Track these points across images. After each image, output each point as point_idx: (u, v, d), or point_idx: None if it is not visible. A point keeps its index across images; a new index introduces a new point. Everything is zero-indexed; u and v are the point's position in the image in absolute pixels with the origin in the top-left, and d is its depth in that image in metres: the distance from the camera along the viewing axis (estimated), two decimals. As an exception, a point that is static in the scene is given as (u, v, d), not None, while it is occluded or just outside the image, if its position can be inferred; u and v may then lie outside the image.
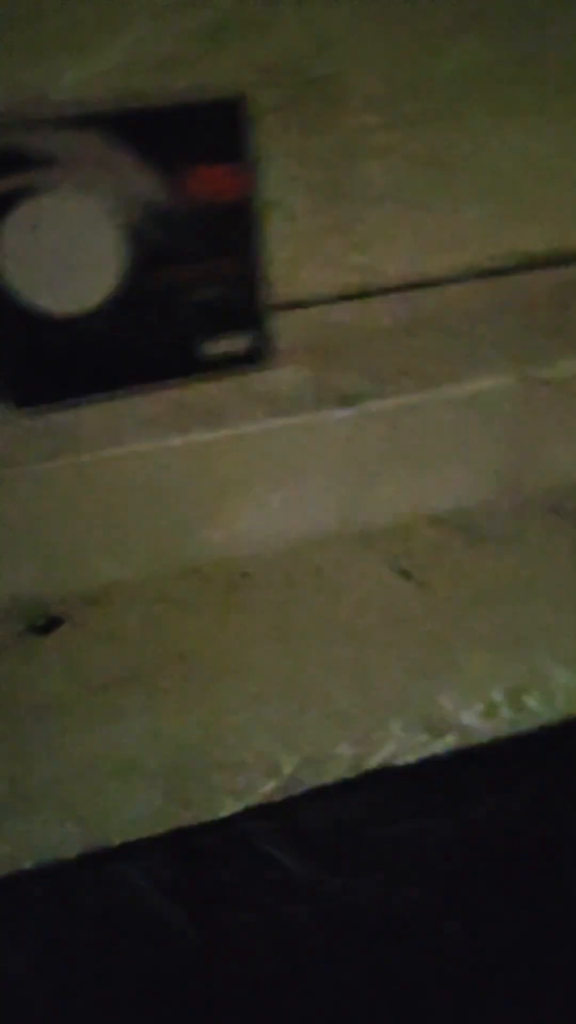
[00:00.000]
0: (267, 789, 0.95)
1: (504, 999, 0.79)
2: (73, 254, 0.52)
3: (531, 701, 1.08)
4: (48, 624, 0.70)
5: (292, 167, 0.55)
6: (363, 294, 0.62)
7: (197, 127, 0.50)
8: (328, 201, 0.58)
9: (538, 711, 1.08)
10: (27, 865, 0.86)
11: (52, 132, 0.48)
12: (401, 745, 0.97)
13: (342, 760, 0.95)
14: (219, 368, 0.59)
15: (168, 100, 0.51)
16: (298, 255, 0.60)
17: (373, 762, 0.96)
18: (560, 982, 0.84)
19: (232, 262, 0.55)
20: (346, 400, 0.57)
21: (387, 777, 0.97)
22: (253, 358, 0.59)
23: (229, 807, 0.97)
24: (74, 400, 0.58)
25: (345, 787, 0.95)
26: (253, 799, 0.97)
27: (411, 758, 1.00)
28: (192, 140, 0.50)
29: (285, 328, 0.60)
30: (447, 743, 1.02)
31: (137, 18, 0.47)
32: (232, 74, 0.50)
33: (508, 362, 0.60)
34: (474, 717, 1.07)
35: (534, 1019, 0.78)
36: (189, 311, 0.56)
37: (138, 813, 0.93)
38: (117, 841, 0.90)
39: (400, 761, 0.97)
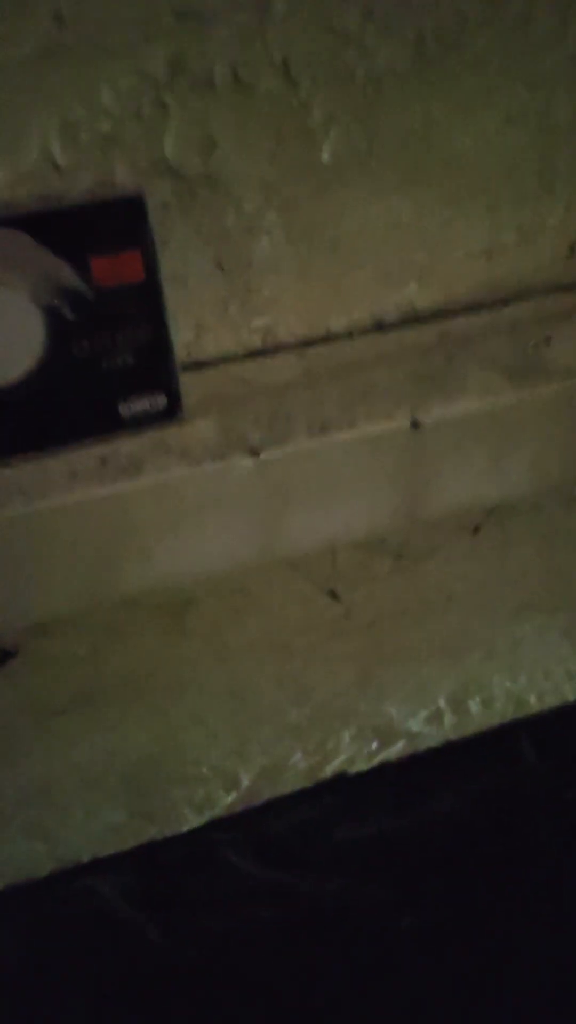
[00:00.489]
0: (228, 801, 1.03)
1: (459, 986, 0.88)
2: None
3: (474, 706, 1.16)
4: (1, 656, 0.78)
5: (189, 248, 0.64)
6: (263, 352, 0.70)
7: (101, 222, 0.58)
8: (224, 275, 0.66)
9: (480, 715, 1.16)
10: None
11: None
12: (353, 753, 1.05)
13: (298, 770, 1.02)
14: (136, 425, 0.67)
15: (74, 200, 0.59)
16: (201, 322, 0.68)
17: (328, 771, 1.02)
18: (510, 968, 0.93)
19: (142, 332, 0.63)
20: (251, 448, 0.65)
21: (342, 785, 1.04)
22: (166, 415, 0.67)
23: (191, 820, 1.05)
24: (4, 459, 0.65)
25: (303, 796, 1.03)
26: (214, 811, 1.04)
27: (363, 766, 1.06)
28: (97, 233, 0.58)
29: (193, 386, 0.67)
30: (398, 749, 1.09)
31: (43, 134, 0.55)
32: (130, 174, 0.58)
33: (398, 408, 0.68)
34: (420, 724, 1.15)
35: (487, 1004, 0.87)
36: (107, 376, 0.64)
37: (103, 829, 1.00)
38: (86, 858, 0.96)
39: (353, 769, 1.02)
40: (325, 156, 0.62)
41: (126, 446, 0.66)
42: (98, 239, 0.59)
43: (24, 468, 0.64)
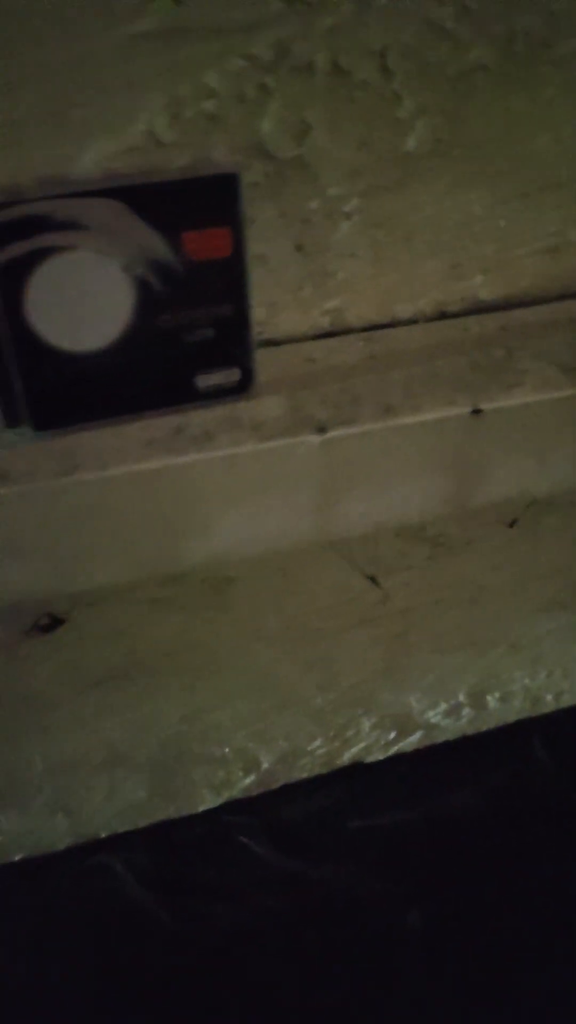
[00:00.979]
0: (246, 783, 1.05)
1: (463, 983, 0.89)
2: (89, 302, 0.62)
3: (492, 701, 1.18)
4: (51, 624, 0.80)
5: (273, 228, 0.66)
6: (333, 334, 0.73)
7: (196, 197, 0.61)
8: (303, 256, 0.68)
9: (499, 710, 1.18)
10: (17, 857, 0.93)
11: (75, 201, 0.59)
12: (371, 742, 1.08)
13: (316, 756, 1.03)
14: (210, 398, 0.69)
15: (172, 175, 0.61)
16: (278, 301, 0.70)
17: (345, 759, 1.04)
18: (515, 965, 0.95)
19: (223, 308, 0.65)
20: (317, 426, 0.68)
21: (359, 773, 1.06)
22: (239, 390, 0.70)
23: (209, 801, 1.06)
24: (85, 424, 0.68)
25: (319, 782, 1.05)
26: (232, 793, 1.05)
27: (380, 755, 1.06)
28: (192, 208, 0.61)
29: (265, 364, 0.70)
30: (414, 741, 1.11)
31: (150, 110, 0.58)
32: (227, 153, 0.61)
33: (459, 394, 0.71)
34: (439, 716, 1.16)
35: (491, 1001, 0.88)
36: (186, 349, 0.66)
37: (123, 806, 1.02)
38: (103, 834, 0.97)
39: (371, 758, 1.05)
40: (411, 146, 0.65)
41: (199, 417, 0.68)
42: (191, 214, 0.62)
43: (102, 434, 0.67)
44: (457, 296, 0.74)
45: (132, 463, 0.65)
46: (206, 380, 0.68)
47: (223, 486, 0.68)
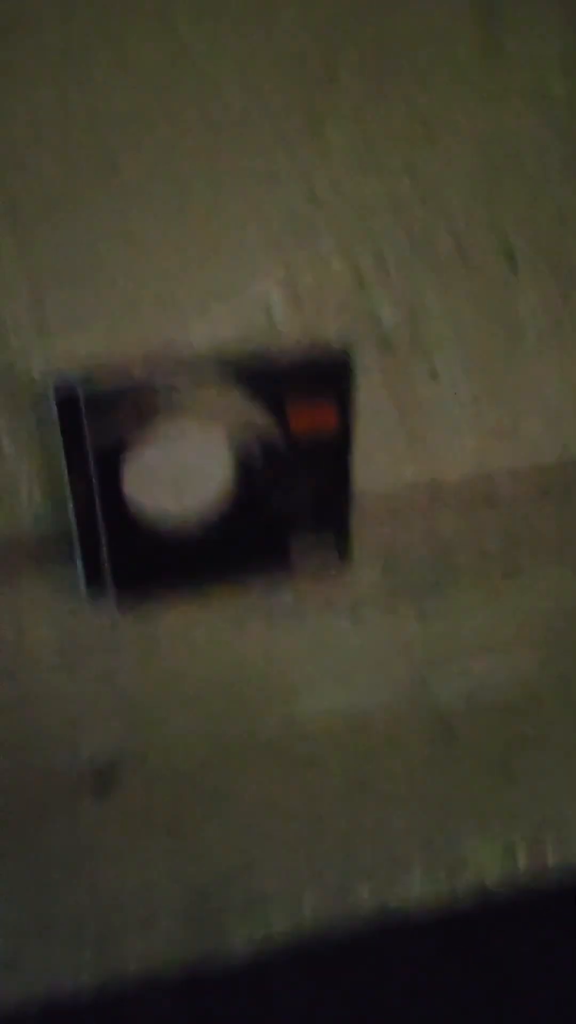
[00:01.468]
0: (284, 927, 1.00)
1: None
2: (188, 472, 0.60)
3: (549, 851, 1.12)
4: (108, 775, 0.76)
5: (377, 401, 0.64)
6: (434, 497, 0.71)
7: (308, 376, 0.59)
8: (402, 421, 0.67)
9: (556, 860, 1.12)
10: (40, 990, 0.88)
11: (183, 372, 0.57)
12: (421, 890, 1.02)
13: (361, 903, 0.99)
14: (303, 569, 0.67)
15: (281, 355, 0.60)
16: (372, 458, 0.68)
17: (392, 905, 0.99)
18: None
19: (324, 480, 0.63)
20: (413, 596, 0.65)
21: (405, 920, 1.00)
22: (334, 561, 0.67)
23: (245, 944, 1.00)
24: (177, 592, 0.65)
25: (363, 929, 0.99)
26: (270, 936, 0.99)
27: (430, 902, 1.03)
28: (303, 386, 0.59)
29: (363, 530, 0.68)
30: (466, 889, 1.05)
31: (260, 288, 0.56)
32: (342, 335, 0.59)
33: (555, 554, 0.69)
34: (494, 865, 1.11)
35: None
36: (282, 518, 0.64)
37: (156, 945, 0.96)
38: (132, 969, 0.91)
39: (419, 906, 1.00)
40: (529, 334, 0.63)
41: (292, 587, 0.66)
42: (301, 392, 0.60)
43: (187, 604, 0.64)
44: (554, 454, 0.72)
45: (218, 639, 0.62)
46: (300, 551, 0.65)
47: (313, 663, 0.65)
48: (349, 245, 0.56)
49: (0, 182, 0.49)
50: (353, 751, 0.81)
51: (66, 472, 0.58)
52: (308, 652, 0.63)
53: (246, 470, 0.61)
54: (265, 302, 0.57)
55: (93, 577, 0.62)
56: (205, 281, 0.55)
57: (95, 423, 0.56)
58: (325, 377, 0.59)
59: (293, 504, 0.63)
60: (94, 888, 0.88)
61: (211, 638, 0.62)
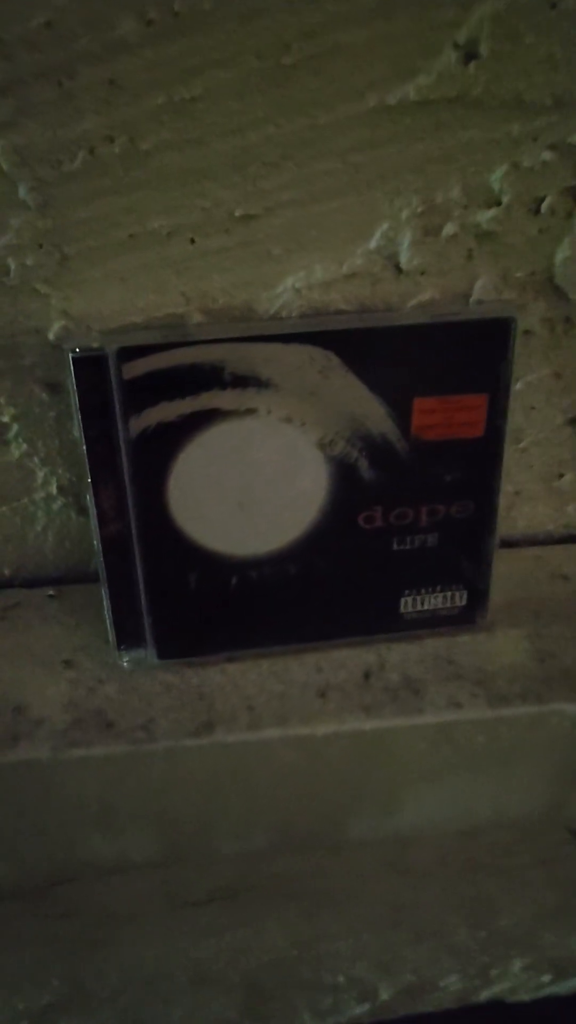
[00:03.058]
0: (358, 1012, 0.91)
1: None
2: (262, 489, 0.41)
3: None
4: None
5: (541, 394, 0.44)
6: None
7: (443, 351, 0.39)
8: (572, 434, 0.46)
9: None
10: None
11: (262, 347, 0.38)
12: (518, 983, 0.88)
13: (448, 992, 0.86)
14: (420, 628, 0.47)
15: (411, 318, 0.40)
16: (525, 490, 0.48)
17: (482, 997, 0.86)
18: None
19: (458, 507, 0.43)
20: (567, 677, 0.44)
21: (495, 1013, 0.88)
22: (463, 620, 0.47)
23: None
24: (231, 655, 0.46)
25: (446, 1018, 0.87)
26: (339, 1019, 0.83)
27: (526, 997, 0.84)
28: (435, 364, 0.39)
29: (501, 579, 0.48)
30: (571, 985, 0.88)
31: (393, 219, 0.36)
32: (495, 289, 0.39)
33: None
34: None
35: None
36: (393, 559, 0.45)
37: (205, 1022, 0.80)
38: None
39: (515, 998, 0.84)
40: None
41: (400, 656, 0.46)
42: (431, 373, 0.40)
43: (256, 670, 0.45)
44: None
45: (296, 723, 0.43)
46: (416, 604, 0.46)
47: (426, 759, 0.45)
48: (527, 157, 0.36)
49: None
50: (464, 861, 0.64)
51: (89, 477, 0.39)
52: (424, 741, 0.44)
53: (346, 488, 0.41)
54: (388, 246, 0.38)
55: (125, 625, 0.44)
56: (299, 216, 0.36)
57: (130, 406, 0.38)
58: (471, 351, 0.39)
59: (410, 539, 0.43)
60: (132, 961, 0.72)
61: (285, 725, 0.43)
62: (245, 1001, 0.83)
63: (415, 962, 0.85)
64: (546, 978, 0.94)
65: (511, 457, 0.47)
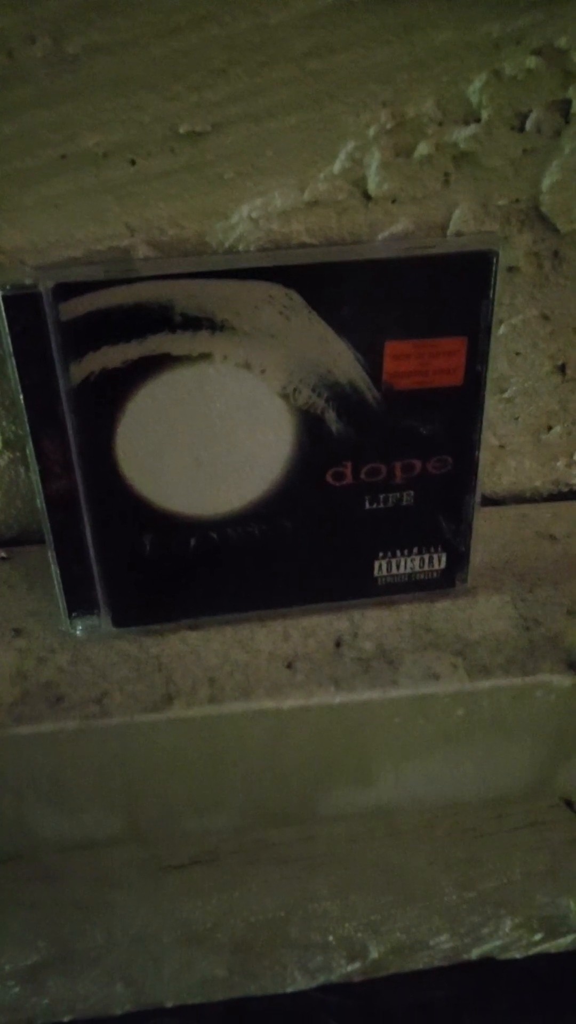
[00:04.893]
0: (348, 970, 0.92)
1: None
2: (220, 443, 0.38)
3: None
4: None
5: (527, 337, 0.40)
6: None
7: (416, 288, 0.35)
8: (564, 381, 0.42)
9: None
10: (65, 1019, 0.80)
11: (217, 284, 0.34)
12: (510, 941, 0.92)
13: (438, 950, 0.89)
14: (394, 593, 0.44)
15: (379, 251, 0.36)
16: (510, 444, 0.45)
17: (473, 954, 0.88)
18: None
19: (436, 462, 0.40)
20: (567, 658, 0.41)
21: (486, 970, 0.91)
22: (441, 583, 0.44)
23: (299, 983, 0.92)
24: (192, 623, 0.43)
25: (436, 974, 0.91)
26: (329, 977, 0.91)
27: (517, 954, 0.88)
28: (408, 303, 0.35)
29: (483, 539, 0.44)
30: (562, 944, 0.88)
31: (360, 138, 0.32)
32: (474, 218, 0.35)
33: None
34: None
35: None
36: (365, 520, 0.41)
37: (196, 981, 0.89)
38: (169, 1004, 0.86)
39: (506, 955, 0.86)
40: None
41: (374, 624, 0.43)
42: (404, 314, 0.36)
43: (219, 639, 0.42)
44: None
45: (261, 696, 0.40)
46: (391, 567, 0.42)
47: (403, 734, 0.42)
48: (509, 64, 0.31)
49: None
50: (450, 829, 0.61)
51: (28, 430, 0.35)
52: (399, 715, 0.41)
53: (312, 441, 0.38)
54: (354, 169, 0.33)
55: (75, 589, 0.40)
56: (252, 134, 0.32)
57: (70, 351, 0.34)
58: (449, 288, 0.35)
59: (383, 497, 0.40)
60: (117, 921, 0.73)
61: (250, 698, 0.40)
62: (234, 959, 0.81)
63: (405, 922, 0.83)
64: (537, 936, 0.95)
65: (494, 408, 0.43)
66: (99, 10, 0.29)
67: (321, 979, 0.87)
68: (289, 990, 0.86)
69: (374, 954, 0.87)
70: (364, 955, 0.85)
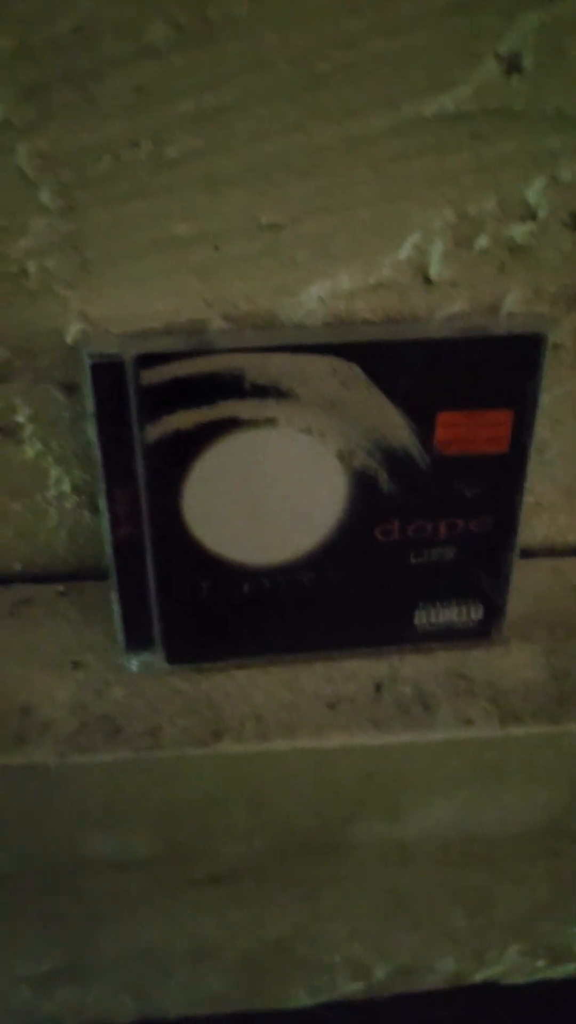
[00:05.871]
0: (351, 989, 0.93)
1: None
2: (279, 499, 0.41)
3: None
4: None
5: (564, 412, 0.44)
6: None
7: (470, 365, 0.39)
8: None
9: None
10: None
11: (284, 357, 0.37)
12: (513, 967, 0.90)
13: (442, 973, 0.89)
14: (433, 641, 0.47)
15: (438, 331, 0.39)
16: (545, 501, 0.48)
17: (477, 978, 0.89)
18: None
19: (478, 522, 0.43)
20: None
21: (488, 994, 0.90)
22: (478, 633, 0.47)
23: (303, 1000, 0.90)
24: (241, 662, 0.46)
25: (439, 997, 0.91)
26: (332, 996, 0.90)
27: (520, 979, 0.86)
28: (460, 378, 0.39)
29: (518, 592, 0.47)
30: (566, 971, 0.90)
31: (424, 230, 0.36)
32: (527, 303, 0.39)
33: None
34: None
35: None
36: (408, 572, 0.45)
37: (203, 996, 0.86)
38: (173, 1015, 0.86)
39: (509, 980, 0.87)
40: None
41: (413, 669, 0.46)
42: (457, 387, 0.40)
43: (266, 679, 0.45)
44: None
45: (305, 734, 0.43)
46: (430, 616, 0.46)
47: (435, 774, 0.46)
48: (566, 171, 0.35)
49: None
50: (463, 858, 0.64)
51: (103, 482, 0.39)
52: (434, 758, 0.44)
53: (365, 500, 0.41)
54: (418, 257, 0.37)
55: (134, 627, 0.44)
56: (326, 224, 0.35)
57: (147, 413, 0.38)
58: (499, 365, 0.39)
59: (427, 552, 0.43)
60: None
61: (294, 737, 0.43)
62: (242, 976, 0.83)
63: (411, 945, 0.86)
64: (541, 963, 0.96)
65: (533, 468, 0.47)
66: (197, 121, 0.33)
67: (324, 998, 0.91)
68: (292, 1006, 0.89)
69: (379, 975, 0.90)
70: (369, 975, 0.88)
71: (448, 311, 0.39)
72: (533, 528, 0.51)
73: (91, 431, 0.39)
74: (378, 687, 0.47)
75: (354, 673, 0.47)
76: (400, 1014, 0.89)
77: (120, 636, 0.46)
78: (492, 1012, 0.90)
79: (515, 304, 0.40)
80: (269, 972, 0.84)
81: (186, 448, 0.40)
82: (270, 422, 0.40)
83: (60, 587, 0.51)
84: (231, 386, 0.39)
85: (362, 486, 0.42)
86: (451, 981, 0.89)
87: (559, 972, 0.96)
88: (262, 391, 0.39)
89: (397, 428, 0.41)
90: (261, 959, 0.82)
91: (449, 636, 0.48)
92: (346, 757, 0.46)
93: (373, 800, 0.49)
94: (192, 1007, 0.86)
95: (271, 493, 0.42)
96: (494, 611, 0.47)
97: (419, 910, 0.80)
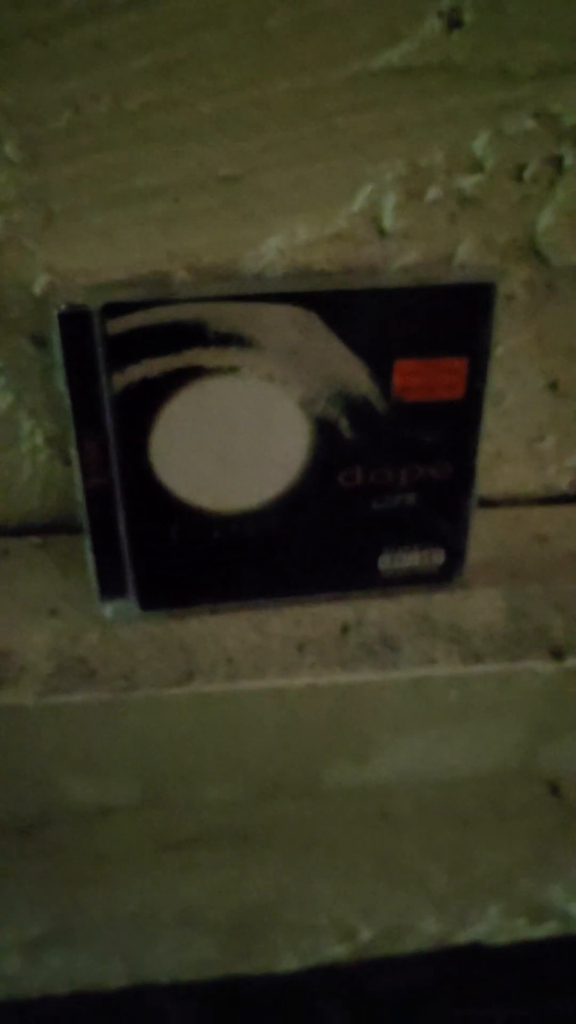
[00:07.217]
0: (336, 952, 0.96)
1: None
2: (244, 446, 0.44)
3: None
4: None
5: (523, 358, 0.46)
6: (571, 500, 0.53)
7: (425, 314, 0.41)
8: (555, 397, 0.49)
9: None
10: (62, 992, 0.82)
11: (246, 307, 0.40)
12: (494, 927, 0.95)
13: (425, 934, 0.92)
14: (397, 585, 0.50)
15: (393, 280, 0.42)
16: (504, 450, 0.50)
17: (460, 939, 0.91)
18: None
19: (437, 468, 0.46)
20: (552, 647, 0.47)
21: (472, 955, 0.94)
22: (440, 578, 0.50)
23: (290, 964, 0.94)
24: (213, 607, 0.49)
25: (423, 959, 0.93)
26: (319, 959, 0.93)
27: (503, 940, 0.91)
28: (416, 328, 0.41)
29: (479, 538, 0.50)
30: (546, 930, 0.92)
31: (378, 182, 0.38)
32: (478, 253, 0.41)
33: None
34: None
35: None
36: (371, 518, 0.47)
37: (189, 959, 0.92)
38: (163, 980, 0.89)
39: (490, 941, 0.90)
40: None
41: (377, 612, 0.49)
42: (413, 336, 0.42)
43: (236, 623, 0.48)
44: None
45: (274, 675, 0.46)
46: (394, 561, 0.48)
47: (401, 713, 0.49)
48: (510, 124, 0.37)
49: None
50: (440, 813, 0.67)
51: (74, 432, 0.41)
52: (399, 697, 0.47)
53: (327, 447, 0.44)
54: (371, 208, 0.39)
55: (108, 575, 0.46)
56: (282, 178, 0.38)
57: (114, 362, 0.40)
58: (453, 314, 0.41)
59: (389, 498, 0.46)
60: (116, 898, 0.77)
61: (263, 677, 0.46)
62: (226, 939, 0.86)
63: (395, 905, 0.88)
64: (520, 922, 0.98)
65: (492, 419, 0.49)
66: (154, 75, 0.35)
67: (311, 960, 0.92)
68: (281, 970, 0.91)
69: (364, 936, 0.92)
70: (354, 937, 0.90)
71: (403, 261, 0.42)
72: (495, 479, 0.54)
73: (61, 382, 0.41)
74: (345, 629, 0.49)
75: (322, 617, 0.50)
76: (385, 978, 0.90)
77: (94, 584, 0.48)
78: (478, 975, 0.92)
79: (467, 255, 0.42)
80: (255, 935, 0.86)
81: (152, 396, 0.42)
82: (233, 370, 0.42)
83: (37, 539, 0.53)
84: (194, 334, 0.41)
85: (324, 433, 0.45)
86: (436, 942, 0.91)
87: (539, 932, 0.98)
88: (224, 339, 0.41)
89: (356, 376, 0.43)
90: (247, 921, 0.84)
91: (412, 580, 0.50)
92: (314, 696, 0.48)
93: (342, 740, 0.52)
94: (181, 971, 0.87)
95: (236, 440, 0.44)
96: (455, 556, 0.50)
97: (399, 869, 0.82)
